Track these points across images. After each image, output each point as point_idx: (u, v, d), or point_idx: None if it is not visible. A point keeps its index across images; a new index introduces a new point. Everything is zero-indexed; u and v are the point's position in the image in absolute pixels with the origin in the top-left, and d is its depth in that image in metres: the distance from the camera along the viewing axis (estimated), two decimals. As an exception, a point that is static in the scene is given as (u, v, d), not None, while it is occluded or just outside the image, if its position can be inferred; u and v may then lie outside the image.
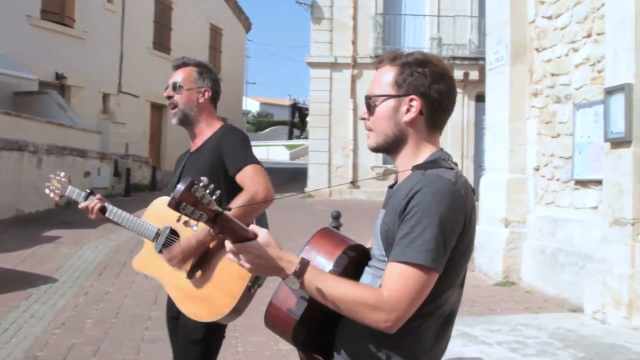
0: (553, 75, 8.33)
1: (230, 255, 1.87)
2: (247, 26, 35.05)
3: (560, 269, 7.81)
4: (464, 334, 5.75)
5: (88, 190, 3.37)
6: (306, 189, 21.12)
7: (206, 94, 3.34)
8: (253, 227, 1.89)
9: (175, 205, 1.72)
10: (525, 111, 8.89)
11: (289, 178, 26.11)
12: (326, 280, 1.83)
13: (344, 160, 22.15)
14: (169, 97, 3.30)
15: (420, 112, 1.99)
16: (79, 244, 11.43)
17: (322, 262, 1.99)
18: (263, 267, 1.84)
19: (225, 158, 3.15)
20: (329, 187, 16.65)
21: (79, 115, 19.67)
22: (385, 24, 22.25)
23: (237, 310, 3.02)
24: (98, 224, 12.48)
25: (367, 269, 2.08)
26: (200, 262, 3.03)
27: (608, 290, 6.24)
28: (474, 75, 22.24)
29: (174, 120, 3.34)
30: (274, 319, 2.00)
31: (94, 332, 6.38)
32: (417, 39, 22.01)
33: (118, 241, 11.84)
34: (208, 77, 3.36)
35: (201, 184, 1.76)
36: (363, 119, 2.04)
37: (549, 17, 8.39)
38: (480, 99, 23.27)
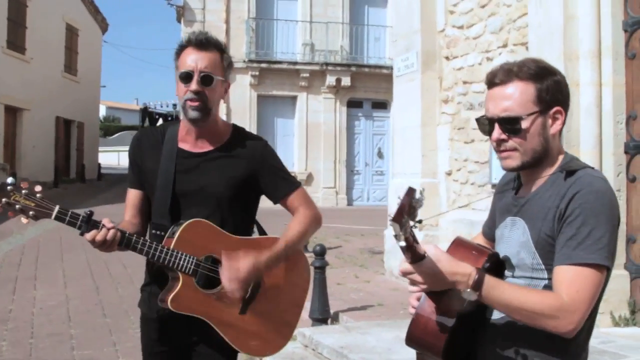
0: (465, 83, 8.65)
1: (414, 300, 1.83)
2: (104, 27, 33.73)
3: (480, 269, 8.11)
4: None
5: (88, 212, 2.52)
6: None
7: (227, 88, 2.83)
8: (421, 244, 1.84)
9: (398, 214, 1.62)
10: (436, 117, 9.17)
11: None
12: (504, 289, 1.82)
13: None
14: (197, 92, 2.63)
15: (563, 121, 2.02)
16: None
17: None
18: (438, 283, 1.81)
19: (269, 176, 2.80)
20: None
21: None
22: (258, 29, 22.23)
23: None
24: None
25: (512, 279, 2.06)
26: (253, 294, 2.72)
27: (542, 288, 6.55)
28: (346, 81, 22.73)
29: (194, 115, 2.65)
30: (420, 334, 1.94)
31: (15, 355, 5.91)
32: (290, 44, 22.21)
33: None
34: (228, 62, 2.79)
35: (417, 196, 1.68)
36: (501, 140, 2.00)
37: (460, 27, 8.71)
38: (351, 104, 23.85)
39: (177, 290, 2.57)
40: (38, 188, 2.46)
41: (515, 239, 2.04)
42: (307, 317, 6.56)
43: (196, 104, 2.63)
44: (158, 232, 2.69)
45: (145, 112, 63.89)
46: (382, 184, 23.55)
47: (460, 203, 8.79)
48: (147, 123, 63.38)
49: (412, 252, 1.75)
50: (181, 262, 2.57)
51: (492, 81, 2.01)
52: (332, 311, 6.99)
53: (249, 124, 21.94)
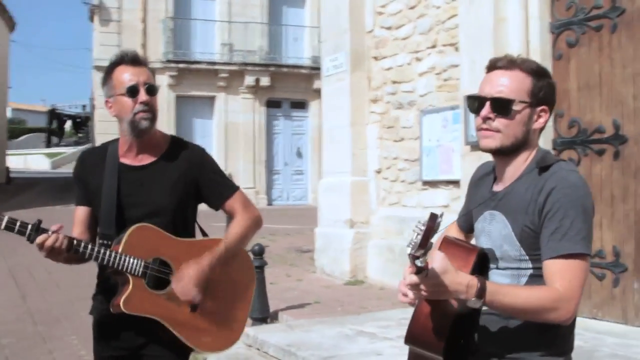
0: (395, 82, 8.82)
1: (404, 287, 1.87)
2: (11, 25, 32.46)
3: (412, 265, 8.29)
4: (361, 332, 5.91)
5: (37, 220, 2.61)
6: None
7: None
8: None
9: (425, 240, 1.69)
10: (365, 116, 9.31)
11: (63, 188, 24.60)
12: (505, 293, 1.90)
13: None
14: (147, 103, 2.76)
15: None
16: None
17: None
18: (441, 294, 1.86)
19: (207, 183, 2.91)
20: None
21: None
22: (175, 28, 21.92)
23: None
24: None
25: (497, 271, 2.14)
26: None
27: (476, 281, 6.75)
28: (264, 81, 22.71)
29: (146, 125, 2.78)
30: (420, 332, 2.00)
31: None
32: (209, 44, 22.02)
33: None
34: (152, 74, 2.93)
35: (439, 220, 1.75)
36: (487, 118, 2.09)
37: (389, 28, 8.88)
38: (270, 104, 23.83)
39: (128, 292, 2.67)
40: None
41: (497, 232, 2.12)
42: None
43: (147, 114, 2.77)
44: (105, 242, 2.77)
45: (53, 114, 62.03)
46: (301, 183, 23.66)
47: (391, 200, 8.96)
48: (54, 125, 61.57)
49: (422, 268, 1.79)
50: (130, 265, 2.68)
51: (495, 65, 2.11)
52: (270, 310, 6.99)
53: (167, 125, 21.63)
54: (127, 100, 2.76)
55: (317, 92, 24.31)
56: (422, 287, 1.81)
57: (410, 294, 2.09)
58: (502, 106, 2.04)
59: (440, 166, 8.00)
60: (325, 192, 9.84)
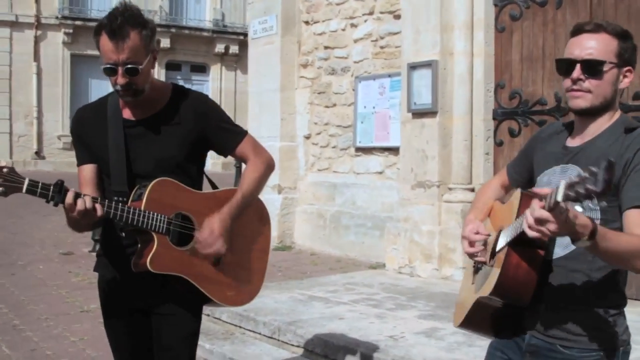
0: (327, 48, 8.80)
1: (530, 221, 1.86)
2: None
3: (344, 230, 8.39)
4: (313, 297, 5.94)
5: (59, 181, 2.44)
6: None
7: (156, 56, 2.75)
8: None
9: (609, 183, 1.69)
10: (295, 81, 9.25)
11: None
12: (611, 238, 1.94)
13: (27, 129, 20.39)
14: (126, 84, 2.56)
15: None
16: None
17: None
18: (565, 230, 1.86)
19: (216, 132, 2.81)
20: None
21: None
22: (71, -17, 20.86)
23: None
24: None
25: None
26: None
27: (416, 246, 6.92)
28: (165, 42, 22.11)
29: (129, 99, 2.63)
30: (511, 284, 2.10)
31: None
32: (107, 1, 21.02)
33: None
34: (151, 32, 2.65)
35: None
36: (579, 79, 2.14)
37: (323, -8, 8.82)
38: (170, 67, 23.23)
39: (154, 251, 2.58)
40: (2, 163, 2.38)
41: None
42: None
43: (128, 92, 2.60)
44: (119, 199, 2.64)
45: None
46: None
47: (320, 166, 8.98)
48: None
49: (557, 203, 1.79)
50: (154, 222, 2.58)
51: (582, 28, 2.18)
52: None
53: (62, 85, 20.71)
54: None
55: (218, 56, 23.96)
56: (550, 222, 1.81)
57: (479, 245, 2.17)
58: (592, 67, 2.12)
59: (375, 133, 8.08)
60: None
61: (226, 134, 2.85)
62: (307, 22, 9.12)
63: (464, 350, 4.35)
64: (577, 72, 2.12)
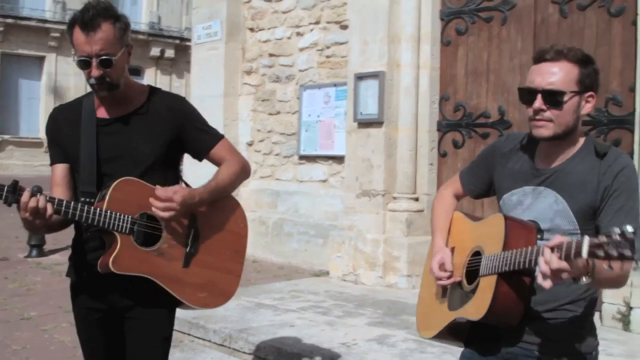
0: (272, 55, 8.82)
1: (545, 270, 1.91)
2: None
3: (287, 238, 8.41)
4: (261, 305, 5.94)
5: (14, 180, 2.41)
6: None
7: (130, 50, 2.71)
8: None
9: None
10: (238, 88, 9.23)
11: None
12: (602, 269, 1.96)
13: None
14: (100, 77, 2.53)
15: None
16: None
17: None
18: (573, 276, 1.93)
19: (191, 133, 2.79)
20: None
21: None
22: (2, -20, 20.22)
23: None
24: None
25: (542, 242, 2.30)
26: (193, 246, 2.74)
27: (361, 254, 7.00)
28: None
29: (104, 94, 2.61)
30: (500, 309, 2.16)
31: None
32: (39, 1, 20.47)
33: None
34: (125, 26, 2.62)
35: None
36: (540, 110, 2.20)
37: (269, 0, 8.84)
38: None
39: (117, 251, 2.53)
40: None
41: (545, 207, 2.25)
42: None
43: (102, 86, 2.57)
44: (87, 200, 2.60)
45: None
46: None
47: (263, 173, 8.98)
48: None
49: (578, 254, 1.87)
50: (116, 222, 2.53)
51: (542, 57, 2.22)
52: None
53: (-11, 84, 20.01)
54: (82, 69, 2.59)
55: (153, 60, 23.63)
56: (565, 272, 1.88)
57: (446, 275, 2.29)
58: (553, 98, 2.17)
59: (320, 141, 8.14)
60: (192, 164, 9.61)
61: (202, 136, 2.83)
62: (252, 29, 9.12)
63: (416, 356, 4.44)
64: (538, 102, 2.17)
